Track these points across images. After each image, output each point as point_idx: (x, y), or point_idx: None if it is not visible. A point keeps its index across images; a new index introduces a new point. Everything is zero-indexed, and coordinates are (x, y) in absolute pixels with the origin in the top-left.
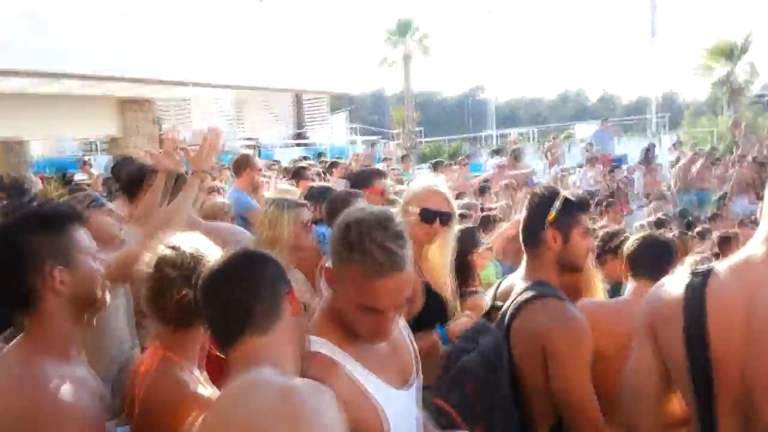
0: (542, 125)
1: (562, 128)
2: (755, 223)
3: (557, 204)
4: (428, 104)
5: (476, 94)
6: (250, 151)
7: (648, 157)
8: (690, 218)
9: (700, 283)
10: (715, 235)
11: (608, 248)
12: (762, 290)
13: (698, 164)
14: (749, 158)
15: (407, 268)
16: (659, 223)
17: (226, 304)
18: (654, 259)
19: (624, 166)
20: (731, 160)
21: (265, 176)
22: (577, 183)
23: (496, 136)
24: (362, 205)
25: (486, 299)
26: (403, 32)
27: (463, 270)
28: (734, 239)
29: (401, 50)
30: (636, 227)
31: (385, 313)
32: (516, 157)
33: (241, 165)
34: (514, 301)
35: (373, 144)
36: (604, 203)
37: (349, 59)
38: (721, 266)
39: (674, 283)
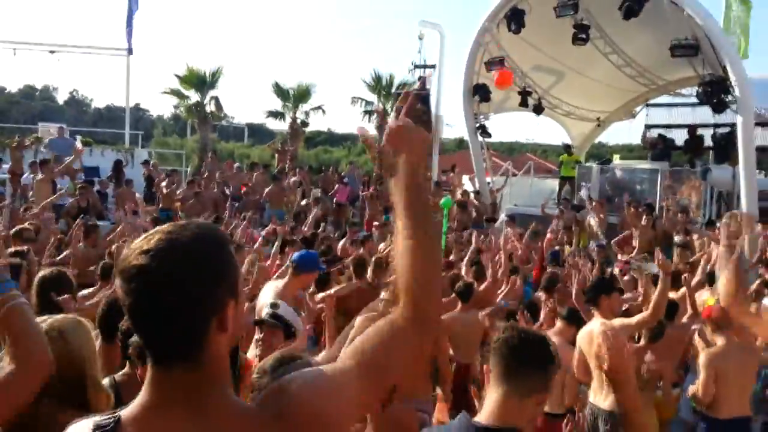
0: (5, 124)
1: (27, 130)
2: None
3: None
4: None
5: None
6: None
7: (119, 171)
8: None
9: None
10: None
11: None
12: None
13: (163, 184)
14: (215, 183)
15: None
16: None
17: None
18: None
19: (96, 179)
20: (199, 181)
21: None
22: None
23: None
24: None
25: None
26: None
27: None
28: None
29: None
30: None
31: None
32: None
33: None
34: None
35: None
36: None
37: None
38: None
39: None
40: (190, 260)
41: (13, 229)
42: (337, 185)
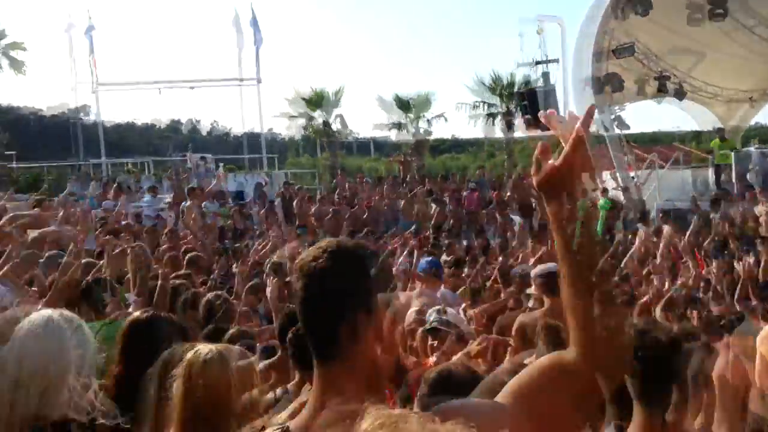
0: (159, 157)
1: (180, 162)
2: None
3: None
4: (18, 124)
5: (78, 115)
6: None
7: (261, 193)
8: None
9: None
10: None
11: None
12: None
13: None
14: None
15: None
16: None
17: None
18: None
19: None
20: (332, 198)
21: None
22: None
23: (107, 165)
24: None
25: None
26: None
27: None
28: None
29: None
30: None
31: None
32: (120, 188)
33: None
34: None
35: None
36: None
37: None
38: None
39: None
40: (353, 260)
41: (188, 255)
42: (465, 192)
